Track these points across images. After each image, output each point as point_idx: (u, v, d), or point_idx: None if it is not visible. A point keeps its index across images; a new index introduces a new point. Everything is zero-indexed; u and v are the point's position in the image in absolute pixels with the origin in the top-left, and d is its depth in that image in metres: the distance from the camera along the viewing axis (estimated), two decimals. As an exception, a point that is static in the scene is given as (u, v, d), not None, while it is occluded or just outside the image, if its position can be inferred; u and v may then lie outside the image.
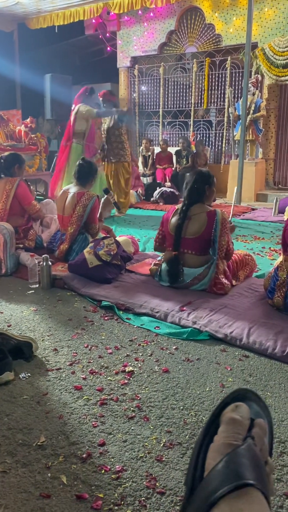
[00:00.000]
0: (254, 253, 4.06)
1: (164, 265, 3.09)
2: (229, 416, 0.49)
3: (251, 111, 7.37)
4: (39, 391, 1.87)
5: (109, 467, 1.43)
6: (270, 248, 4.38)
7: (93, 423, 1.65)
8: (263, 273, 3.40)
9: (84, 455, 1.48)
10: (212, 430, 0.50)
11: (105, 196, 3.75)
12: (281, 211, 6.03)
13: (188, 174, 3.22)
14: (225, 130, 8.50)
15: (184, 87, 9.19)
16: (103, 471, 1.41)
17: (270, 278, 2.75)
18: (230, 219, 3.13)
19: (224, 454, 0.45)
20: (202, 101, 8.85)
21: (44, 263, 3.12)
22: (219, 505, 0.41)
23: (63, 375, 2.00)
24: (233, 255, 3.20)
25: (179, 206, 3.11)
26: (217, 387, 1.91)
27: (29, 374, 2.01)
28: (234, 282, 3.08)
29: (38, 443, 1.54)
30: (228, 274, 3.03)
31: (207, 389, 1.90)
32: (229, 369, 2.07)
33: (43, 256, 3.20)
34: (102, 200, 3.65)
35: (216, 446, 0.48)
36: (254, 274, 3.38)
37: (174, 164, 8.17)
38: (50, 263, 3.16)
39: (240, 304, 2.75)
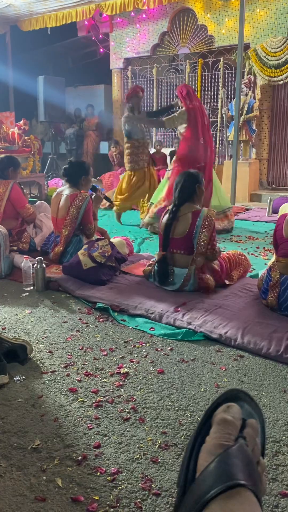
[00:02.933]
0: (248, 253, 4.07)
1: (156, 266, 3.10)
2: (221, 417, 0.49)
3: (244, 112, 7.39)
4: (34, 394, 1.86)
5: (104, 469, 1.43)
6: (264, 248, 4.39)
7: (88, 425, 1.65)
8: (257, 273, 3.40)
9: (79, 458, 1.48)
10: (204, 431, 0.50)
11: (94, 194, 3.75)
12: (275, 211, 6.04)
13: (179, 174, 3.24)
14: (218, 130, 8.52)
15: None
16: (98, 473, 1.41)
17: (263, 278, 2.76)
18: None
19: (216, 455, 0.45)
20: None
21: (38, 265, 3.11)
22: (210, 506, 0.41)
23: (58, 378, 2.00)
24: (227, 254, 3.21)
25: (169, 206, 3.12)
26: (212, 388, 1.91)
27: (23, 377, 2.00)
28: (227, 282, 3.08)
29: (33, 446, 1.53)
30: (218, 272, 3.03)
31: (202, 390, 1.90)
32: (224, 369, 2.07)
33: (37, 258, 3.20)
34: (93, 198, 3.65)
35: (207, 447, 0.48)
36: (248, 274, 3.39)
37: (169, 165, 8.17)
38: (44, 265, 3.15)
39: (235, 304, 2.75)
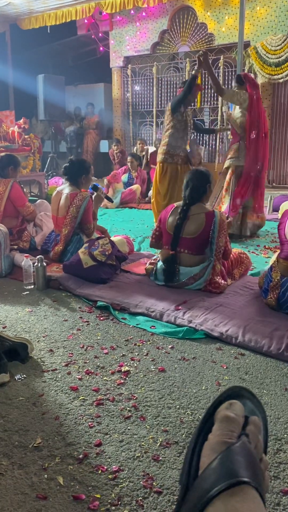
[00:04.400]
0: (249, 251, 4.06)
1: (160, 264, 3.09)
2: (223, 414, 0.49)
3: (245, 110, 7.37)
4: (35, 393, 1.86)
5: (105, 467, 1.43)
6: (265, 246, 4.39)
7: (90, 423, 1.65)
8: (258, 271, 3.40)
9: (80, 456, 1.47)
10: (206, 429, 0.50)
11: (95, 193, 3.74)
12: (275, 209, 6.04)
13: (187, 173, 3.22)
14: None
15: (178, 86, 9.19)
16: (99, 472, 1.41)
17: (264, 276, 2.75)
18: (227, 217, 3.14)
19: (219, 452, 0.45)
20: (196, 100, 8.85)
21: (39, 264, 3.11)
22: (213, 503, 0.41)
23: (59, 376, 2.00)
24: (228, 253, 3.21)
25: (178, 204, 3.10)
26: (213, 386, 1.91)
27: (24, 376, 2.00)
28: (229, 281, 3.08)
29: (34, 445, 1.53)
30: (224, 273, 3.04)
31: (203, 388, 1.90)
32: (225, 367, 2.07)
33: (37, 257, 3.19)
34: (93, 197, 3.64)
35: (210, 444, 0.47)
36: (249, 272, 3.39)
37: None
38: (44, 264, 3.15)
39: (236, 303, 2.75)
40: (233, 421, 0.48)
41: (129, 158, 7.48)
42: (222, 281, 2.95)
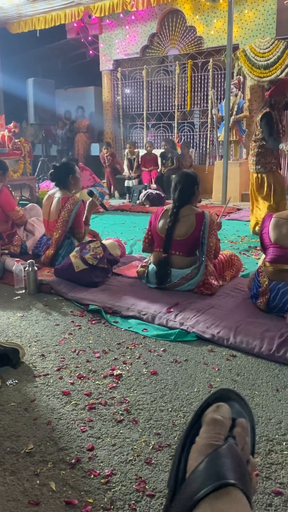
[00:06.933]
0: (240, 253, 4.08)
1: (151, 267, 3.10)
2: (210, 417, 0.49)
3: (234, 112, 7.43)
4: (26, 398, 1.85)
5: (98, 471, 1.42)
6: (256, 247, 4.41)
7: (82, 428, 1.64)
8: (249, 273, 3.42)
9: (73, 461, 1.47)
10: (194, 432, 0.50)
11: (91, 199, 3.74)
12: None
13: (173, 175, 3.24)
14: (209, 131, 8.56)
15: (167, 89, 9.23)
16: (92, 476, 1.40)
17: (252, 280, 2.76)
18: (219, 219, 3.16)
19: (205, 455, 0.45)
20: (186, 103, 8.90)
21: (30, 268, 3.10)
22: (200, 506, 0.41)
23: (51, 381, 1.99)
24: (220, 255, 3.22)
25: (168, 207, 3.11)
26: (205, 388, 1.91)
27: (16, 381, 1.99)
28: (221, 283, 3.09)
29: (26, 450, 1.52)
30: (215, 274, 3.05)
31: (195, 390, 1.90)
32: (216, 369, 2.08)
33: (28, 261, 3.18)
34: (88, 203, 3.63)
35: (197, 447, 0.48)
36: (240, 273, 3.40)
37: (159, 166, 8.20)
38: (36, 268, 3.14)
39: (227, 304, 2.76)
40: (220, 424, 0.49)
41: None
42: (215, 282, 2.96)
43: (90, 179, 7.16)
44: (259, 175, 4.59)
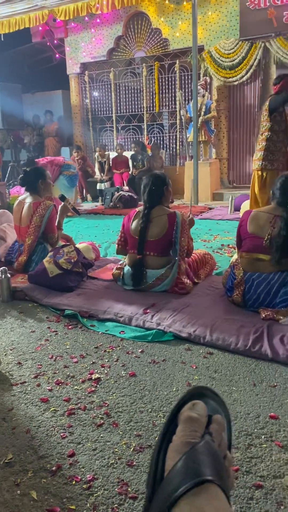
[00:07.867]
0: (213, 251, 4.13)
1: (127, 269, 3.10)
2: (186, 415, 0.50)
3: (202, 113, 7.51)
4: (4, 407, 1.82)
5: (79, 477, 1.41)
6: (228, 245, 4.47)
7: (62, 434, 1.63)
8: (222, 271, 3.46)
9: (53, 468, 1.45)
10: (170, 431, 0.51)
11: (62, 203, 3.70)
12: (237, 209, 6.17)
13: (144, 177, 3.25)
14: (178, 132, 8.62)
15: (136, 91, 9.25)
16: (74, 482, 1.39)
17: (227, 276, 2.81)
18: (189, 214, 3.19)
19: (182, 453, 0.46)
20: (154, 104, 8.94)
21: (3, 275, 3.05)
22: (179, 504, 0.42)
23: (29, 389, 1.96)
24: (194, 254, 3.25)
25: (140, 209, 3.13)
26: (184, 387, 1.93)
27: (-8, 391, 1.95)
28: (196, 280, 3.12)
29: (6, 461, 1.50)
30: (189, 272, 3.08)
31: (174, 389, 1.91)
32: (194, 367, 2.09)
33: (1, 268, 3.13)
34: (60, 207, 3.60)
35: (174, 446, 0.48)
36: (214, 272, 3.44)
37: (131, 168, 8.21)
38: (9, 275, 3.09)
39: (202, 303, 2.79)
40: (196, 421, 0.49)
41: None
42: (188, 281, 2.99)
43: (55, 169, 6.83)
44: (264, 172, 4.45)
